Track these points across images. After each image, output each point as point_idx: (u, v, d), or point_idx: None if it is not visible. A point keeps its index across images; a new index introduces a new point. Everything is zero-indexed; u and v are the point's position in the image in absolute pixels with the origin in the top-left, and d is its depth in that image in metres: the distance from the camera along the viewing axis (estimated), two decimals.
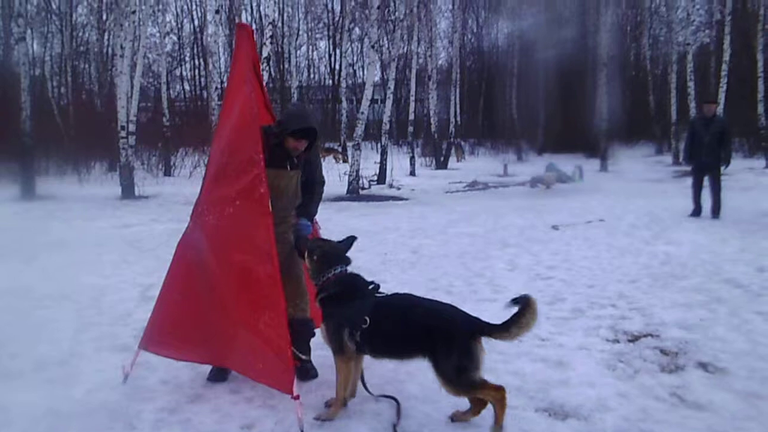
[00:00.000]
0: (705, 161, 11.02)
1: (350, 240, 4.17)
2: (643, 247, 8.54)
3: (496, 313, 5.67)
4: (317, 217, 4.68)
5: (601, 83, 23.80)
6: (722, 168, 11.06)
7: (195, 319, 4.17)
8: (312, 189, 4.49)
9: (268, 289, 3.69)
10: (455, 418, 3.64)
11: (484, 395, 3.48)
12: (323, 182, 4.63)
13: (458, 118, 31.60)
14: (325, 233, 4.98)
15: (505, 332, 3.42)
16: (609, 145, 24.10)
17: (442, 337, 3.45)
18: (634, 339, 5.04)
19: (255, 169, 3.82)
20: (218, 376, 4.35)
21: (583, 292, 6.45)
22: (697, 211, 11.32)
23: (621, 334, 5.17)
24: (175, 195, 15.86)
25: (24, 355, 4.88)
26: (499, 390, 3.46)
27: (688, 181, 18.18)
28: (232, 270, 3.93)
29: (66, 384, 4.36)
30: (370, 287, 3.88)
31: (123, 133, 16.67)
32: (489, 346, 4.80)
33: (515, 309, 3.43)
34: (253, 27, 25.20)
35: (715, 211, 11.06)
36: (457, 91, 31.60)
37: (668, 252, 8.15)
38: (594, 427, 3.57)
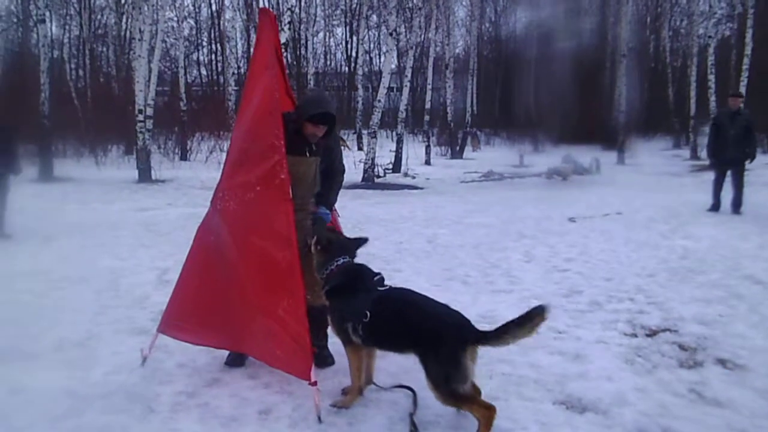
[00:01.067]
0: (730, 156, 10.84)
1: (361, 240, 4.15)
2: (661, 241, 8.46)
3: (513, 304, 5.74)
4: (336, 206, 4.68)
5: (620, 75, 23.58)
6: (747, 163, 10.91)
7: (213, 304, 4.18)
8: (332, 177, 4.48)
9: (287, 275, 3.70)
10: None
11: (470, 410, 3.38)
12: (343, 170, 4.62)
13: (474, 108, 31.47)
14: (340, 221, 4.98)
15: (499, 340, 3.33)
16: (626, 137, 23.90)
17: (432, 340, 3.37)
18: (652, 333, 5.00)
19: (276, 155, 3.81)
20: (236, 361, 4.37)
21: (601, 285, 6.40)
22: (716, 206, 11.15)
23: (639, 328, 5.14)
24: (190, 179, 15.94)
25: (43, 336, 4.92)
26: (489, 409, 3.35)
27: (706, 175, 18.08)
28: (251, 256, 3.93)
29: (84, 366, 4.40)
30: (375, 279, 3.85)
31: (140, 117, 16.73)
32: None
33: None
34: None
35: (737, 207, 10.90)
36: (474, 80, 31.46)
37: (686, 246, 8.08)
38: (612, 422, 3.55)
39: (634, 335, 4.98)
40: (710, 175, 17.46)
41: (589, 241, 8.64)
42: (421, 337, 3.41)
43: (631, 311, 5.57)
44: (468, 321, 3.50)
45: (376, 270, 3.99)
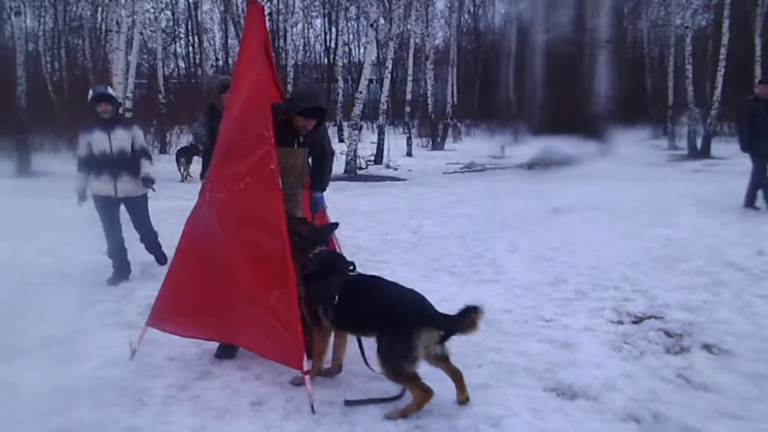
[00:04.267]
0: None
1: (333, 226, 4.40)
2: (644, 230, 8.53)
3: (500, 294, 5.78)
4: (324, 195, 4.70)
5: (598, 65, 23.69)
6: None
7: (203, 296, 4.17)
8: (323, 161, 4.52)
9: (278, 265, 3.70)
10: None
11: (410, 388, 3.54)
12: (333, 153, 4.67)
13: (455, 99, 31.48)
14: (328, 212, 4.97)
15: (451, 329, 3.51)
16: (606, 127, 24.03)
17: (390, 322, 3.52)
18: (638, 321, 5.06)
19: (265, 145, 3.81)
20: (226, 352, 4.36)
21: (586, 273, 6.46)
22: (752, 201, 10.01)
23: (625, 315, 5.20)
24: (171, 173, 15.76)
25: (28, 332, 4.88)
26: (426, 392, 3.51)
27: (686, 165, 18.31)
28: (242, 246, 3.92)
29: (72, 361, 4.38)
30: (347, 266, 3.99)
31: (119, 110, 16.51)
32: (494, 328, 4.90)
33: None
34: None
35: None
36: (454, 71, 31.45)
37: (669, 235, 8.15)
38: (603, 407, 3.60)
39: (621, 322, 5.04)
40: (690, 166, 17.75)
41: (573, 231, 8.68)
42: (380, 318, 3.57)
43: (616, 299, 5.63)
44: (430, 307, 3.63)
45: (362, 261, 4.04)
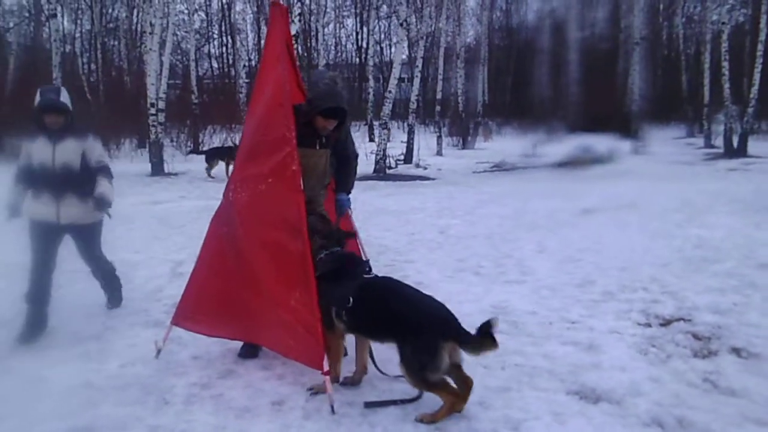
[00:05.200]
0: None
1: (349, 234, 4.36)
2: (676, 231, 8.40)
3: (526, 295, 5.73)
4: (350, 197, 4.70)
5: (633, 63, 23.37)
6: None
7: (227, 296, 4.22)
8: (347, 163, 4.52)
9: (299, 266, 3.72)
10: None
11: (440, 395, 3.50)
12: (357, 155, 4.66)
13: (486, 97, 31.31)
14: (352, 212, 4.97)
15: (475, 348, 3.43)
16: (640, 126, 23.69)
17: (411, 329, 3.48)
18: (666, 323, 4.98)
19: (287, 147, 3.83)
20: (249, 352, 4.40)
21: (614, 275, 6.37)
22: None
23: (653, 318, 5.11)
24: (203, 172, 15.97)
25: (59, 329, 4.98)
26: (455, 395, 3.49)
27: (720, 164, 17.94)
28: (264, 247, 3.96)
29: (100, 358, 4.46)
30: (360, 267, 3.96)
31: (152, 111, 16.77)
32: (518, 330, 4.86)
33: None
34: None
35: None
36: (485, 69, 31.30)
37: (701, 236, 8.00)
38: (626, 412, 3.55)
39: (648, 325, 4.96)
40: (725, 164, 17.39)
41: (602, 232, 8.59)
42: (402, 325, 3.51)
43: (645, 301, 5.54)
44: (452, 317, 3.57)
45: (388, 261, 4.02)
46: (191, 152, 19.70)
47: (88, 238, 5.25)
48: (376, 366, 3.93)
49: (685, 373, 4.04)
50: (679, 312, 5.20)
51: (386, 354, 3.88)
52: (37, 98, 4.85)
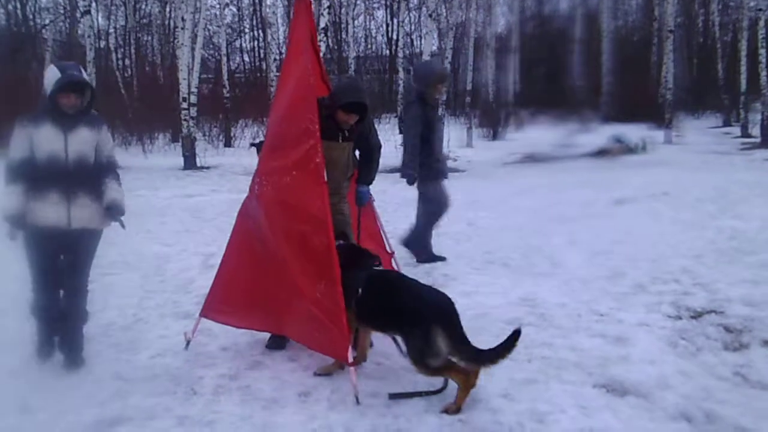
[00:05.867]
0: None
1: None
2: (709, 222, 8.24)
3: (554, 287, 5.67)
4: (373, 190, 4.72)
5: (667, 51, 22.93)
6: None
7: (254, 288, 4.27)
8: (369, 154, 4.55)
9: (323, 258, 3.76)
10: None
11: (449, 377, 3.59)
12: (380, 146, 4.66)
13: (517, 87, 31.00)
14: (380, 204, 4.99)
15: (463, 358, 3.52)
16: (674, 115, 23.25)
17: (411, 317, 3.57)
18: (697, 315, 4.90)
19: (311, 139, 3.86)
20: (276, 344, 4.44)
21: (646, 267, 6.27)
22: None
23: (684, 310, 5.03)
24: (234, 165, 16.11)
25: (91, 320, 5.02)
26: (465, 374, 3.52)
27: (757, 153, 17.52)
28: (288, 239, 4.00)
29: (131, 349, 4.55)
30: (369, 260, 4.06)
31: (185, 105, 16.94)
32: (546, 322, 4.83)
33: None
34: None
35: None
36: (517, 58, 30.96)
37: (735, 227, 7.83)
38: (654, 405, 3.51)
39: (679, 317, 4.89)
40: (762, 154, 16.98)
41: (635, 223, 8.45)
42: (401, 315, 3.63)
43: (676, 293, 5.46)
44: (451, 309, 3.65)
45: None
46: (252, 145, 19.48)
47: (89, 247, 4.24)
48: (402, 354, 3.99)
49: (715, 367, 3.98)
50: (710, 304, 5.11)
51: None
52: (53, 74, 3.98)
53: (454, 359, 3.53)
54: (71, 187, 4.06)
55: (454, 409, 3.47)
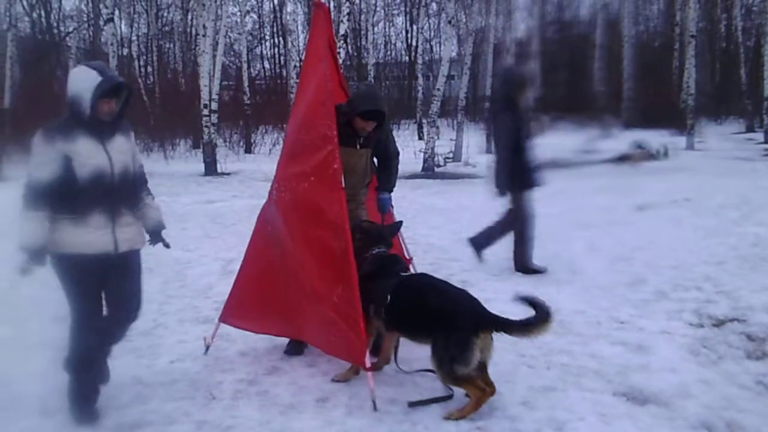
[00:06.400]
0: None
1: (397, 225, 4.42)
2: (732, 228, 8.15)
3: (573, 294, 5.63)
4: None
5: (689, 57, 22.73)
6: None
7: (272, 293, 4.29)
8: (388, 162, 4.55)
9: (340, 263, 3.77)
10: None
11: (467, 390, 3.54)
12: (398, 154, 4.67)
13: (537, 92, 30.88)
14: (399, 210, 4.98)
15: (522, 332, 3.49)
16: (696, 121, 23.02)
17: (444, 323, 3.53)
18: (719, 323, 4.84)
19: (329, 145, 3.87)
20: (295, 349, 4.46)
21: (667, 274, 6.21)
22: None
23: (705, 318, 4.98)
24: (255, 172, 16.21)
25: None
26: (483, 391, 3.49)
27: None
28: (307, 245, 4.01)
29: (151, 354, 4.58)
30: (399, 266, 4.05)
31: (206, 111, 17.08)
32: (565, 329, 4.79)
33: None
34: (331, 4, 25.30)
35: None
36: (537, 64, 30.86)
37: (759, 233, 7.74)
38: (674, 414, 3.47)
39: (701, 325, 4.84)
40: None
41: (656, 229, 8.38)
42: (436, 320, 3.55)
43: (698, 300, 5.40)
44: (483, 308, 3.62)
45: (433, 259, 4.02)
46: None
47: (137, 266, 3.89)
48: (396, 362, 4.03)
49: (737, 375, 3.93)
50: (733, 312, 5.05)
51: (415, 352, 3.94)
52: (89, 76, 3.42)
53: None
54: (115, 206, 3.59)
55: (457, 415, 3.47)
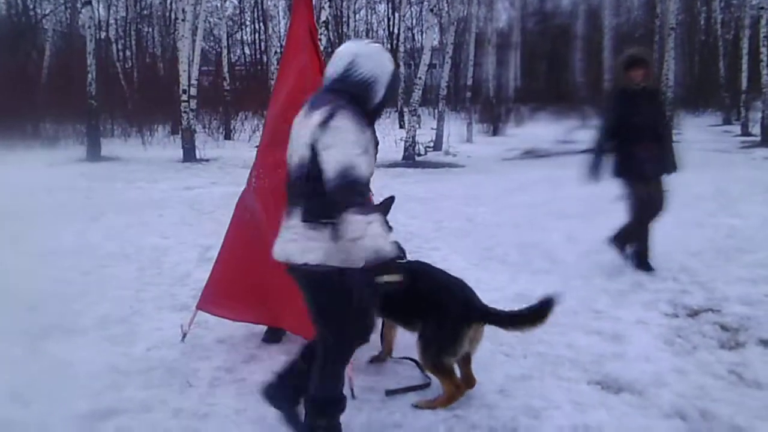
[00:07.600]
0: None
1: (388, 201, 3.97)
2: (708, 220, 8.24)
3: (551, 284, 5.64)
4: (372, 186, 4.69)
5: (669, 49, 22.89)
6: None
7: (250, 281, 4.26)
8: None
9: None
10: None
11: (443, 382, 3.51)
12: (377, 142, 4.62)
13: (518, 83, 31.00)
14: (379, 200, 4.96)
15: (513, 325, 3.55)
16: (674, 113, 23.21)
17: (436, 311, 3.50)
18: (693, 314, 4.91)
19: None
20: (273, 337, 4.44)
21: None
22: None
23: (681, 308, 5.04)
24: (234, 158, 16.09)
25: (87, 312, 5.07)
26: (458, 388, 3.49)
27: (758, 152, 17.48)
28: None
29: (127, 341, 4.53)
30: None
31: (185, 97, 16.91)
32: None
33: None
34: None
35: None
36: (518, 54, 30.95)
37: (734, 225, 7.85)
38: (648, 402, 3.51)
39: (676, 315, 4.90)
40: (762, 152, 16.96)
41: None
42: (427, 305, 3.53)
43: (673, 291, 5.47)
44: (477, 298, 3.61)
45: (414, 248, 4.00)
46: None
47: None
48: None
49: (711, 365, 3.98)
50: (708, 302, 5.13)
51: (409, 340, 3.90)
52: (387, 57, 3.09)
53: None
54: None
55: (425, 405, 3.48)
